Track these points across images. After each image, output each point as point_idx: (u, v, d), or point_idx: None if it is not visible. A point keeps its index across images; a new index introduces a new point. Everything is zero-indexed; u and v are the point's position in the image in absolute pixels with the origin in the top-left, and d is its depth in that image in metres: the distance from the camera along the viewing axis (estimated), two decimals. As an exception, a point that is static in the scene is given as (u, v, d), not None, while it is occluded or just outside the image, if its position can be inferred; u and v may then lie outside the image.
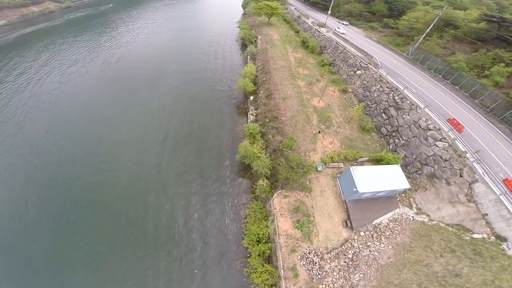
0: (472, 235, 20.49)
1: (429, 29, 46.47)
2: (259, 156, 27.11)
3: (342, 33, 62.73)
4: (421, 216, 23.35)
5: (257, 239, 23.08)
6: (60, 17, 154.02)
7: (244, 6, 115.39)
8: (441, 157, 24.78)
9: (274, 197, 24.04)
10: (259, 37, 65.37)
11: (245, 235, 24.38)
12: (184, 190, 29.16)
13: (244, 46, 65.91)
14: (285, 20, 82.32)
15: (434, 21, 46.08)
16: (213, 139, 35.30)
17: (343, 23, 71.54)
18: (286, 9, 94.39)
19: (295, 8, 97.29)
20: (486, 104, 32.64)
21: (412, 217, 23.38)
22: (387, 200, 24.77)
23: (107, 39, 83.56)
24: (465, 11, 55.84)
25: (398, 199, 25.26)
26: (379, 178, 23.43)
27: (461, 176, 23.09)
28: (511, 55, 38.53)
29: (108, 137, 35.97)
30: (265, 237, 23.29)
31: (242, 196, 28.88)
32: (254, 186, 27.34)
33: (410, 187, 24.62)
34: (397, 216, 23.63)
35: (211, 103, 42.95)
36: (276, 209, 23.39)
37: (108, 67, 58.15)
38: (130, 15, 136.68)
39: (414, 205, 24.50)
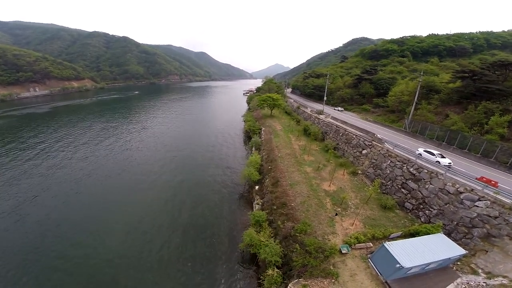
0: None
1: (416, 98, 51.25)
2: (267, 244, 25.75)
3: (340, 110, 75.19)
4: (496, 279, 20.40)
5: None
6: (92, 96, 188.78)
7: (248, 101, 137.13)
8: (489, 215, 23.55)
9: (289, 287, 21.79)
10: (263, 128, 73.09)
11: None
12: (176, 283, 26.09)
13: (248, 138, 72.11)
14: (286, 112, 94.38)
15: (418, 89, 51.19)
16: (213, 229, 34.19)
17: (338, 110, 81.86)
18: (286, 102, 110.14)
19: (294, 101, 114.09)
20: (503, 160, 32.69)
21: (485, 282, 20.33)
22: (441, 272, 22.27)
23: (124, 123, 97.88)
24: (438, 76, 63.58)
25: (455, 268, 22.63)
26: (424, 250, 21.81)
27: (524, 226, 21.66)
28: (498, 105, 40.74)
29: (102, 218, 36.06)
30: None
31: (246, 289, 25.70)
32: (261, 277, 24.68)
33: (467, 252, 22.61)
34: (464, 286, 20.64)
35: (213, 193, 43.58)
36: (292, 300, 20.77)
37: (117, 149, 64.51)
38: (150, 103, 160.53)
39: (480, 270, 21.65)
